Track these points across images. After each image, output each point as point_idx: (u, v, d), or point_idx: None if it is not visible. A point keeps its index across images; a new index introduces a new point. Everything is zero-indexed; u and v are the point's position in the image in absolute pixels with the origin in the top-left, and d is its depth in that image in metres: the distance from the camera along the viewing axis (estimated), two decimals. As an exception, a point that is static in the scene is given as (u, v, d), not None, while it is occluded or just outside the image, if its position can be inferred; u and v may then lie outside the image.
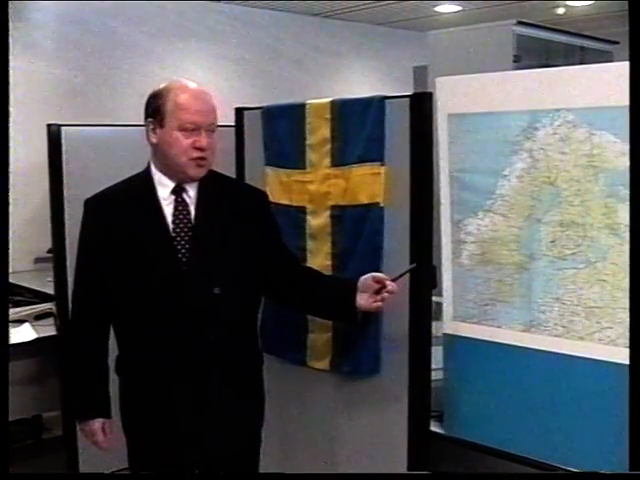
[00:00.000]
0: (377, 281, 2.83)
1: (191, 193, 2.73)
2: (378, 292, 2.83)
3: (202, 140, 2.65)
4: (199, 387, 2.69)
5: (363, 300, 2.84)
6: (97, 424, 2.83)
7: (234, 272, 2.73)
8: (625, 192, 2.52)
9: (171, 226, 2.70)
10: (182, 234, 2.69)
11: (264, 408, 2.96)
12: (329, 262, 3.35)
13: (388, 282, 2.82)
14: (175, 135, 2.66)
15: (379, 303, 2.84)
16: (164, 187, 2.73)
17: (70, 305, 2.92)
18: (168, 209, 2.72)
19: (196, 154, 2.66)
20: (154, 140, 2.72)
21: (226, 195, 2.82)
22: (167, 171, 2.74)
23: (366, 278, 2.85)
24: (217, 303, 2.68)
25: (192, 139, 2.65)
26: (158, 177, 2.75)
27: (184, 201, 2.72)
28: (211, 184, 2.78)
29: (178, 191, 2.73)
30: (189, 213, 2.72)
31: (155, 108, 2.70)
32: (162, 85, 2.74)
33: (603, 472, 2.53)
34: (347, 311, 2.88)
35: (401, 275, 2.89)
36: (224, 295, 2.68)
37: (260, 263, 2.83)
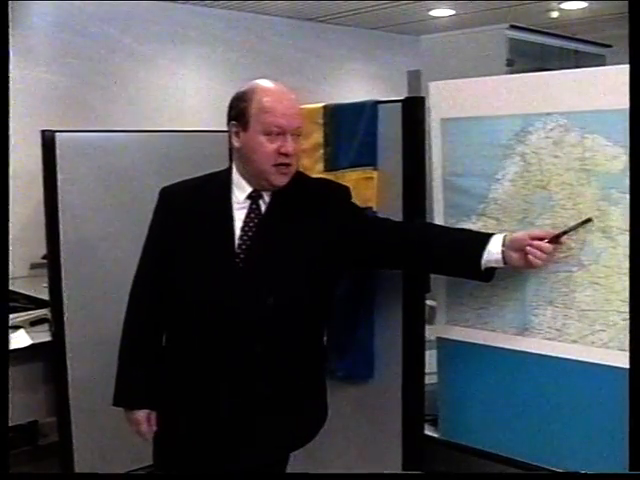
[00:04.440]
0: (532, 238, 2.55)
1: (267, 198, 2.66)
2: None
3: (288, 145, 2.56)
4: (237, 398, 2.62)
5: (511, 256, 2.56)
6: (143, 414, 2.77)
7: (295, 284, 2.62)
8: (618, 195, 2.53)
9: (238, 232, 2.62)
10: (248, 242, 2.61)
11: (320, 426, 2.86)
12: (323, 266, 3.35)
13: (542, 243, 2.54)
14: (259, 139, 2.57)
15: (530, 258, 2.53)
16: (241, 191, 2.65)
17: (129, 292, 2.83)
18: (239, 213, 2.64)
19: (281, 160, 2.57)
20: (237, 144, 2.63)
21: (303, 199, 2.70)
22: (248, 176, 2.66)
23: (522, 234, 2.58)
24: (268, 315, 2.58)
25: (277, 144, 2.55)
26: (237, 180, 2.68)
27: (259, 208, 2.65)
28: (289, 188, 2.67)
29: (255, 197, 2.65)
30: (261, 221, 2.64)
31: (239, 111, 2.61)
32: (245, 87, 2.65)
33: (603, 472, 2.54)
34: (474, 268, 2.62)
35: (566, 232, 2.60)
36: (278, 306, 2.59)
37: (345, 259, 2.73)
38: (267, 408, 2.65)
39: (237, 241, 2.62)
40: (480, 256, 2.58)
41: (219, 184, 2.70)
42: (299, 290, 2.64)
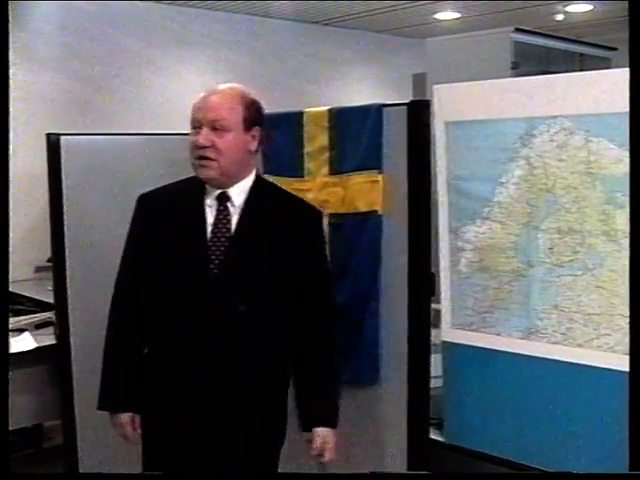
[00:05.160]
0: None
1: (237, 202, 2.66)
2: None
3: (199, 137, 2.57)
4: (210, 400, 2.64)
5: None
6: (126, 417, 2.80)
7: (264, 291, 2.65)
8: (622, 198, 2.53)
9: (209, 235, 2.64)
10: (218, 244, 2.63)
11: (284, 429, 2.86)
12: (327, 270, 3.34)
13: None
14: (189, 135, 2.63)
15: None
16: (210, 193, 2.67)
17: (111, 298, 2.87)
18: (211, 216, 2.66)
19: (198, 152, 2.58)
20: None
21: (274, 210, 2.72)
22: None
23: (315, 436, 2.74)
24: (240, 320, 2.61)
25: (195, 137, 2.59)
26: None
27: (226, 209, 2.65)
28: (261, 195, 2.71)
29: (222, 199, 2.66)
30: (229, 222, 2.65)
31: None
32: None
33: (603, 473, 2.53)
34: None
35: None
36: (249, 313, 2.61)
37: (293, 288, 2.72)
38: (245, 407, 2.68)
39: (209, 242, 2.63)
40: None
41: (193, 188, 2.71)
42: (270, 299, 2.67)
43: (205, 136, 2.56)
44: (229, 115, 2.59)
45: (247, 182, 2.69)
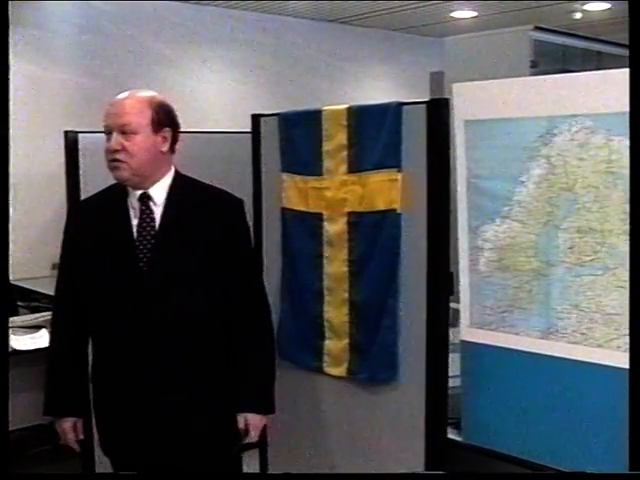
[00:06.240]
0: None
1: (158, 200, 2.72)
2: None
3: (110, 142, 2.65)
4: (152, 397, 2.67)
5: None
6: (68, 423, 2.83)
7: (194, 282, 2.71)
8: (644, 198, 2.51)
9: (135, 234, 2.69)
10: (145, 242, 2.69)
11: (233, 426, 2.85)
12: (346, 269, 3.34)
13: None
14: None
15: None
16: (133, 195, 2.73)
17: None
18: (135, 217, 2.72)
19: (109, 156, 2.66)
20: None
21: (195, 203, 2.78)
22: None
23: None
24: (173, 314, 2.66)
25: (107, 143, 2.67)
26: None
27: (149, 208, 2.71)
28: (182, 191, 2.77)
29: (144, 199, 2.72)
30: (153, 220, 2.71)
31: None
32: None
33: (603, 473, 2.52)
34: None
35: None
36: (180, 306, 2.67)
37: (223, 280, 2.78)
38: (174, 403, 2.69)
39: (136, 242, 2.69)
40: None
41: (117, 192, 2.77)
42: (198, 291, 2.71)
43: (115, 140, 2.65)
44: (136, 119, 2.68)
45: (166, 180, 2.76)
